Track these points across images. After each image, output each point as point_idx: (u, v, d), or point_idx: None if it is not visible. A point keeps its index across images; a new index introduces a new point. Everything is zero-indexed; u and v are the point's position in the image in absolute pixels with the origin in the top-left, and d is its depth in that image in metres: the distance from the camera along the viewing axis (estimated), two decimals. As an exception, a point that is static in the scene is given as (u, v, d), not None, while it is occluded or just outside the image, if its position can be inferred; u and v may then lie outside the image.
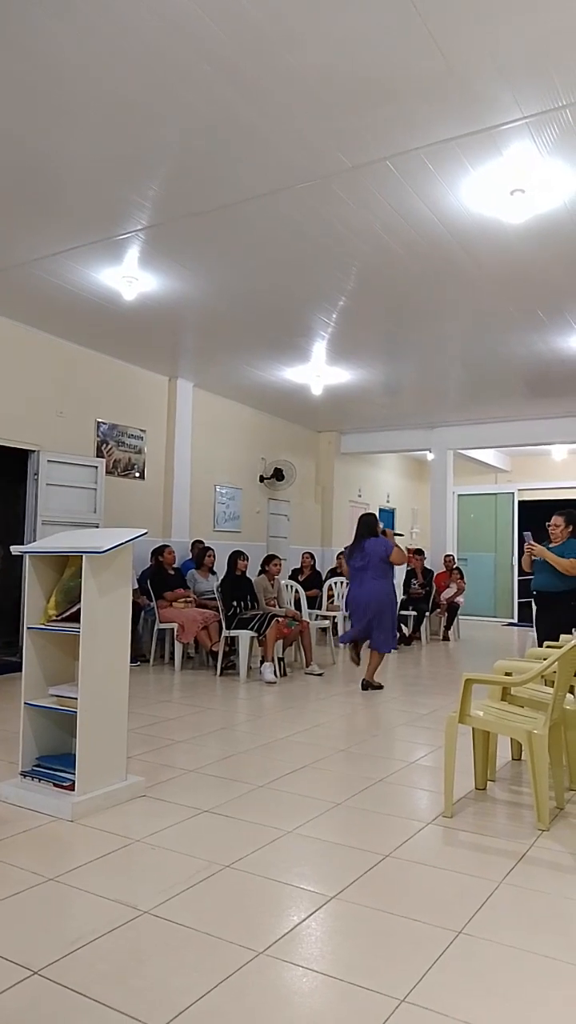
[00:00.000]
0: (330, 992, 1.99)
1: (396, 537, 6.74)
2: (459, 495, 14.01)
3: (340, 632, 9.35)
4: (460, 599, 10.95)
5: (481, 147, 4.11)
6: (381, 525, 6.68)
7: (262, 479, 10.96)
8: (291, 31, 3.25)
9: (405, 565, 9.53)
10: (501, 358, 8.14)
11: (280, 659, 6.91)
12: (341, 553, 8.99)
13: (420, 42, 3.28)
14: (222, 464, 10.23)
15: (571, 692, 3.90)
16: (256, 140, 4.10)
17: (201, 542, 8.87)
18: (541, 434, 11.29)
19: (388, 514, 15.03)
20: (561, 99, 3.68)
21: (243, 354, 8.29)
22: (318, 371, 8.70)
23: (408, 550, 10.36)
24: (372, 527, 6.54)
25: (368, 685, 6.52)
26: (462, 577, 11.13)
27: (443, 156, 4.20)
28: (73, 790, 3.24)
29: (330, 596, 9.88)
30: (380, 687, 6.58)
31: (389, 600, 6.45)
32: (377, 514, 7.09)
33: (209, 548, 8.53)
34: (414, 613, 10.16)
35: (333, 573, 10.35)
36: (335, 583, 9.93)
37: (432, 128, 3.94)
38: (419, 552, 11.00)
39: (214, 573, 8.30)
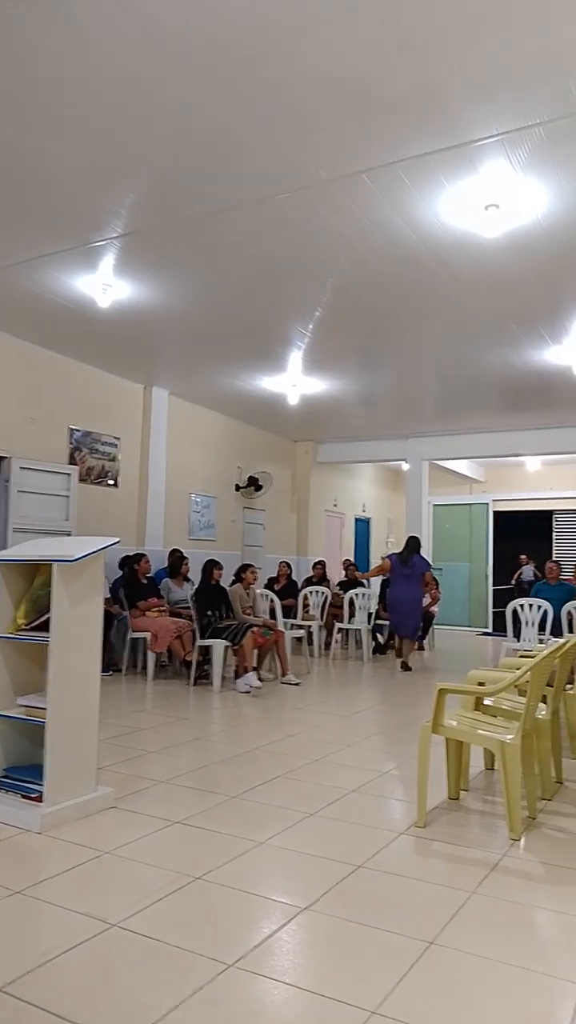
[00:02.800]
0: (301, 1005, 1.98)
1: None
2: (434, 505, 14.10)
3: (316, 641, 9.36)
4: (435, 609, 10.99)
5: (456, 162, 4.16)
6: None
7: (238, 488, 10.95)
8: (272, 44, 3.27)
9: (381, 575, 9.69)
10: (476, 370, 8.22)
11: (255, 668, 6.88)
12: (351, 563, 11.07)
13: (398, 58, 3.32)
14: (197, 472, 10.20)
15: (543, 702, 3.93)
16: (234, 150, 4.11)
17: (178, 551, 8.83)
18: (515, 445, 11.41)
19: (364, 523, 15.09)
20: (535, 117, 3.74)
21: (219, 363, 8.28)
22: (294, 381, 8.72)
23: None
24: (417, 546, 8.89)
25: (406, 666, 8.45)
26: (437, 587, 11.17)
27: (419, 170, 4.25)
28: (41, 801, 3.19)
29: (306, 605, 9.87)
30: (411, 669, 8.44)
31: (419, 601, 8.82)
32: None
33: (185, 556, 8.49)
34: (389, 622, 10.16)
35: (309, 582, 10.35)
36: (311, 592, 9.93)
37: (408, 143, 3.98)
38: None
39: (190, 581, 8.26)
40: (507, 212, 4.64)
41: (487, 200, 4.53)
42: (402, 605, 8.63)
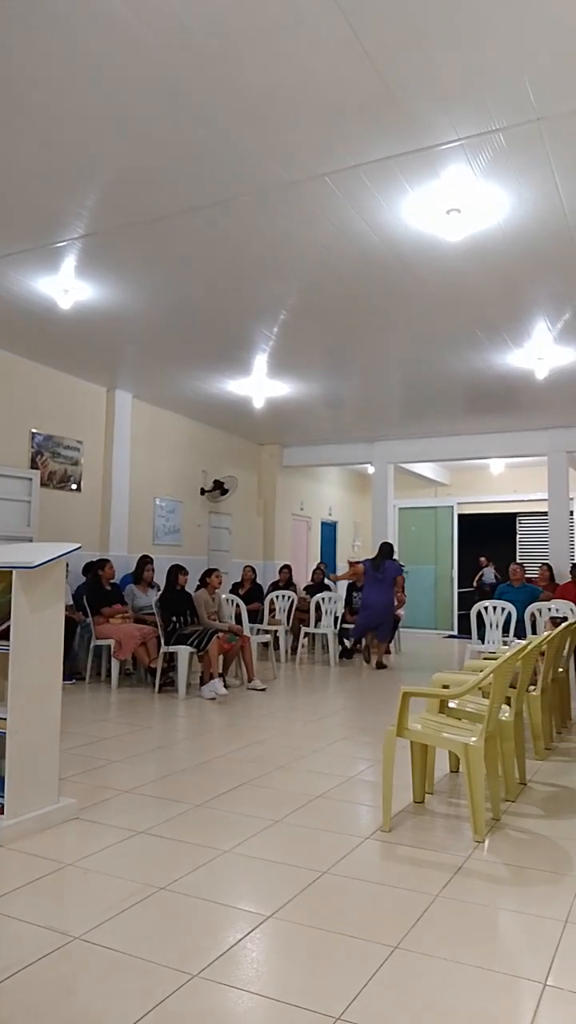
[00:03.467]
0: (265, 1013, 1.95)
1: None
2: (400, 508, 14.18)
3: (283, 646, 9.34)
4: (401, 612, 11.04)
5: (418, 167, 4.18)
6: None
7: (203, 492, 10.89)
8: (231, 47, 3.26)
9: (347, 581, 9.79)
10: (441, 374, 8.29)
11: (221, 674, 6.84)
12: (342, 568, 11.48)
13: (357, 63, 3.33)
14: (162, 476, 10.12)
15: (507, 704, 3.96)
16: (196, 152, 4.09)
17: (147, 557, 8.75)
18: (479, 448, 11.53)
19: (331, 527, 15.12)
20: (494, 123, 3.77)
21: (183, 366, 8.23)
22: (259, 384, 8.70)
23: (349, 563, 10.45)
24: (390, 552, 9.41)
25: (381, 665, 8.91)
26: (403, 590, 11.22)
27: (381, 174, 4.27)
28: (1, 813, 3.12)
29: (272, 610, 9.85)
30: (386, 667, 8.94)
31: (391, 605, 9.20)
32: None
33: (149, 561, 8.41)
34: (354, 625, 10.18)
35: (275, 586, 10.33)
36: (277, 596, 9.91)
37: (370, 146, 3.99)
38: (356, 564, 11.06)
39: (154, 587, 8.19)
40: (469, 217, 4.68)
41: (449, 205, 4.56)
42: (375, 608, 9.04)
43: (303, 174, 4.30)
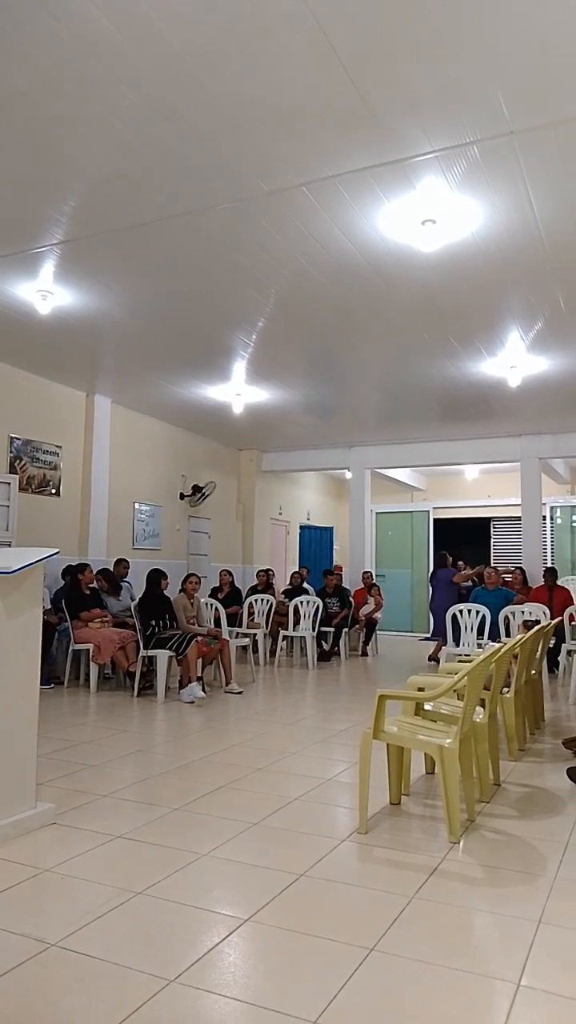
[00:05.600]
0: (241, 1018, 1.98)
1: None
2: (377, 513, 14.27)
3: (261, 649, 9.37)
4: (378, 615, 11.12)
5: (394, 178, 4.25)
6: (450, 559, 10.50)
7: (182, 496, 10.89)
8: (208, 57, 3.29)
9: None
10: (417, 382, 8.38)
11: (199, 678, 6.84)
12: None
13: (334, 74, 3.38)
14: (141, 481, 10.11)
15: (481, 706, 4.02)
16: (174, 161, 4.12)
17: (123, 560, 8.75)
18: (454, 455, 11.66)
19: (318, 531, 15.15)
20: (468, 136, 3.85)
21: (162, 371, 8.24)
22: (238, 390, 8.73)
23: (337, 568, 10.63)
24: (443, 560, 10.46)
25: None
26: (380, 593, 11.31)
27: (357, 185, 4.32)
28: (-21, 821, 3.11)
29: (250, 614, 9.87)
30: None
31: (444, 609, 9.19)
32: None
33: (123, 561, 8.41)
34: (332, 629, 10.25)
35: (254, 590, 10.35)
36: (256, 600, 9.93)
37: (346, 157, 4.05)
38: (329, 572, 11.09)
39: (125, 585, 8.20)
40: (443, 228, 4.75)
41: (424, 216, 4.63)
42: (434, 611, 10.24)
43: (281, 184, 4.34)
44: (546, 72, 3.36)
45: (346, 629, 10.48)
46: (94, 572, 7.91)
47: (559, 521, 14.33)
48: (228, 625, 8.33)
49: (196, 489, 10.99)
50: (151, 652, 6.86)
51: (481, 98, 3.55)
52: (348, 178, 4.26)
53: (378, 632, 11.28)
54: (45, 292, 5.93)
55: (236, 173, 4.23)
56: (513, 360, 7.41)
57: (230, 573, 10.35)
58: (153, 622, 7.05)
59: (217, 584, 10.29)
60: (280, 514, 13.85)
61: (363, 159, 4.07)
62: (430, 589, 10.67)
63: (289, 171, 4.20)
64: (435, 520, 14.98)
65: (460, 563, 11.02)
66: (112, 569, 8.49)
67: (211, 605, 8.48)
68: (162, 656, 6.76)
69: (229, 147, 3.98)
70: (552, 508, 14.06)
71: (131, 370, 8.25)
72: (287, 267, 5.44)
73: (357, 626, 10.91)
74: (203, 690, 6.68)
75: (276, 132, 3.84)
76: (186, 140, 3.92)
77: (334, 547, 16.16)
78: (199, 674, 6.89)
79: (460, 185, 4.31)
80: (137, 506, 9.97)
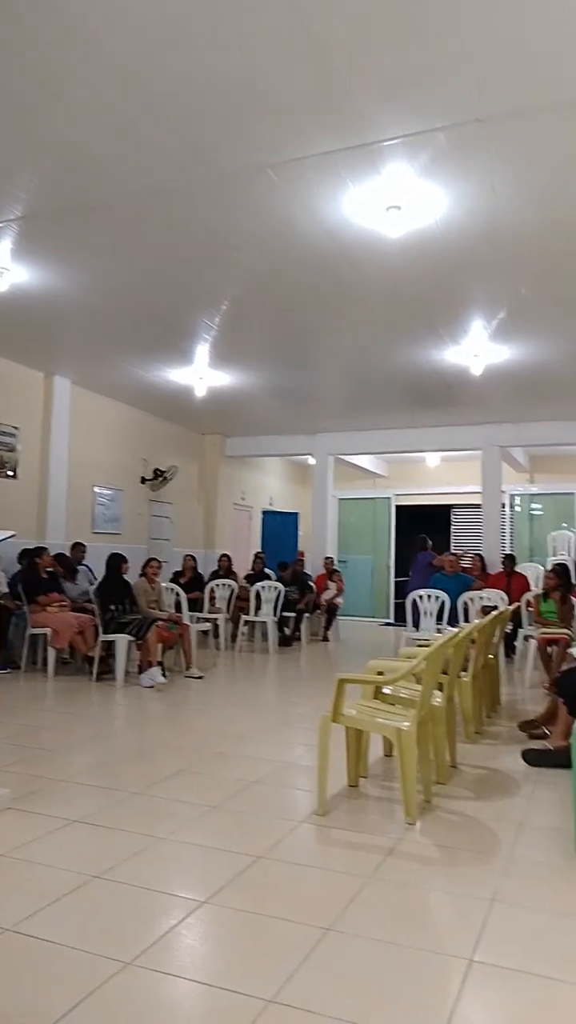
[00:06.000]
0: (198, 999, 1.99)
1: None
2: (340, 499, 14.32)
3: (222, 634, 9.37)
4: (339, 600, 11.19)
5: (360, 162, 4.22)
6: (429, 543, 10.38)
7: (144, 480, 10.78)
8: (177, 32, 3.22)
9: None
10: (381, 368, 8.39)
11: (159, 663, 6.81)
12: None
13: (303, 55, 3.34)
14: (101, 464, 9.97)
15: (439, 689, 4.07)
16: (139, 138, 4.03)
17: (80, 544, 8.64)
18: (417, 442, 11.74)
19: (281, 516, 15.13)
20: (435, 122, 3.84)
21: (123, 353, 8.12)
22: (201, 373, 8.65)
23: (300, 554, 10.62)
24: (423, 544, 10.30)
25: None
26: (341, 579, 11.37)
27: (324, 168, 4.29)
28: None
29: (212, 599, 9.85)
30: None
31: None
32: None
33: (80, 545, 8.32)
34: (293, 615, 10.28)
35: (215, 575, 10.32)
36: (217, 585, 9.91)
37: (313, 140, 4.01)
38: (284, 566, 11.07)
39: (86, 568, 8.13)
40: (408, 214, 4.74)
41: (389, 201, 4.62)
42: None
43: (247, 165, 4.29)
44: (514, 61, 3.36)
45: (307, 614, 10.52)
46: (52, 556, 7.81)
47: (518, 509, 14.56)
48: (189, 610, 8.31)
49: (158, 473, 10.89)
50: (110, 637, 6.81)
51: (450, 84, 3.54)
52: (315, 161, 4.22)
53: (339, 617, 11.35)
54: (2, 268, 5.78)
55: (203, 152, 4.16)
56: (476, 349, 7.46)
57: (194, 558, 10.31)
58: (112, 607, 6.99)
59: (179, 569, 10.24)
60: (243, 499, 13.81)
61: (330, 142, 4.03)
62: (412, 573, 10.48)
63: (256, 152, 4.15)
64: (397, 507, 15.10)
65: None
66: (68, 553, 8.39)
67: (172, 590, 8.44)
68: (121, 641, 6.71)
69: (195, 126, 3.91)
70: (512, 496, 14.27)
71: (92, 351, 8.11)
72: (252, 249, 5.39)
73: (318, 611, 10.97)
74: (163, 675, 6.65)
75: (244, 112, 3.78)
76: (149, 118, 3.84)
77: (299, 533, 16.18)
78: (159, 659, 6.86)
79: (425, 172, 4.30)
80: (97, 490, 9.84)
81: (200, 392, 9.15)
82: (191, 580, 9.89)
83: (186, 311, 6.71)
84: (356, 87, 3.56)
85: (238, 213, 4.85)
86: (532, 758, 4.25)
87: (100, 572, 7.62)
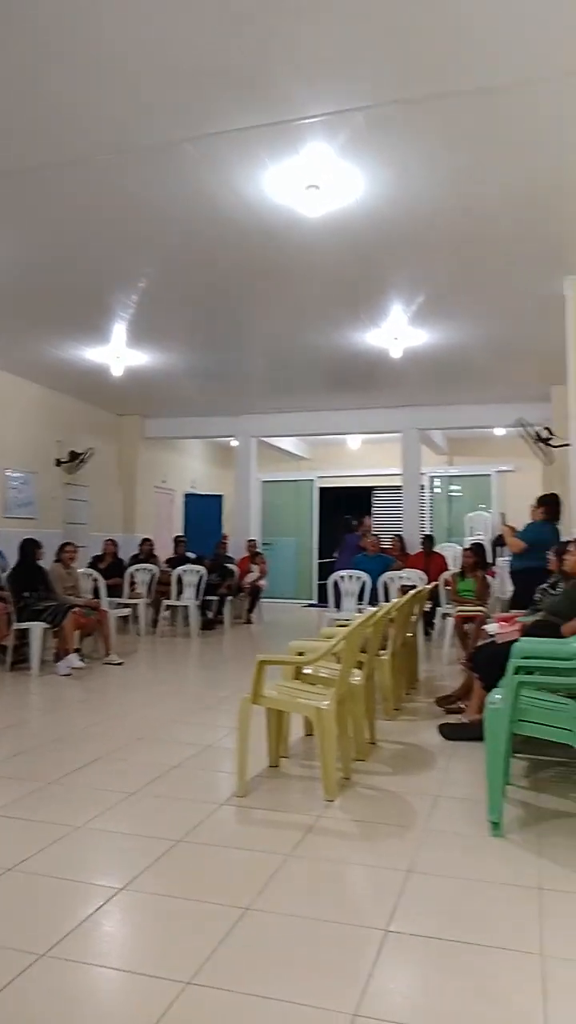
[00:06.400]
0: (114, 986, 1.96)
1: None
2: (263, 482, 14.31)
3: (143, 620, 9.24)
4: (263, 583, 11.21)
5: (279, 140, 4.17)
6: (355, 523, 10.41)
7: (59, 463, 10.48)
8: (93, 2, 3.08)
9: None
10: (303, 350, 8.38)
11: (77, 649, 6.66)
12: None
13: (218, 25, 3.25)
14: (12, 447, 9.60)
15: (359, 668, 4.12)
16: (50, 105, 3.86)
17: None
18: (339, 424, 11.82)
19: (205, 499, 15.00)
20: (354, 102, 3.82)
21: (35, 330, 7.82)
22: (118, 352, 8.44)
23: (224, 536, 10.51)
24: (349, 525, 10.46)
25: None
26: (264, 561, 11.39)
27: (243, 145, 4.21)
28: None
29: (132, 583, 9.69)
30: None
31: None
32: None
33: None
34: (216, 598, 10.24)
35: (136, 560, 10.16)
36: (138, 570, 9.76)
37: (230, 115, 3.93)
38: (200, 560, 10.95)
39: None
40: (328, 194, 4.71)
41: (309, 180, 4.58)
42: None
43: (163, 137, 4.17)
44: (432, 43, 3.36)
45: (230, 598, 10.49)
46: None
47: (437, 491, 14.91)
48: (109, 596, 8.15)
49: (74, 455, 10.60)
50: (24, 624, 6.61)
51: (369, 64, 3.52)
52: (233, 137, 4.14)
53: (263, 600, 11.37)
54: None
55: (116, 122, 4.02)
56: (396, 332, 7.54)
57: (115, 543, 10.11)
58: (27, 593, 6.79)
59: (99, 553, 10.03)
60: (164, 482, 13.62)
61: (247, 117, 3.96)
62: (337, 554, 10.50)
63: (172, 124, 4.04)
64: (320, 489, 15.20)
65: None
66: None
67: (90, 575, 8.26)
68: (36, 628, 6.53)
69: (110, 95, 3.77)
70: (431, 478, 14.59)
71: (0, 328, 7.79)
72: (170, 226, 5.27)
73: (242, 594, 10.96)
74: (81, 661, 6.51)
75: (161, 82, 3.67)
76: (64, 83, 3.66)
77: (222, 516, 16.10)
78: (77, 646, 6.71)
79: (344, 152, 4.28)
80: (8, 473, 9.50)
81: (117, 372, 8.92)
82: (111, 565, 9.70)
83: (101, 287, 6.52)
84: (273, 63, 3.50)
85: (155, 187, 4.72)
86: (448, 732, 4.37)
87: (13, 558, 7.37)
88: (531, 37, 3.32)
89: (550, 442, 8.93)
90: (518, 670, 3.01)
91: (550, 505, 6.57)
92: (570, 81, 3.60)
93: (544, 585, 5.16)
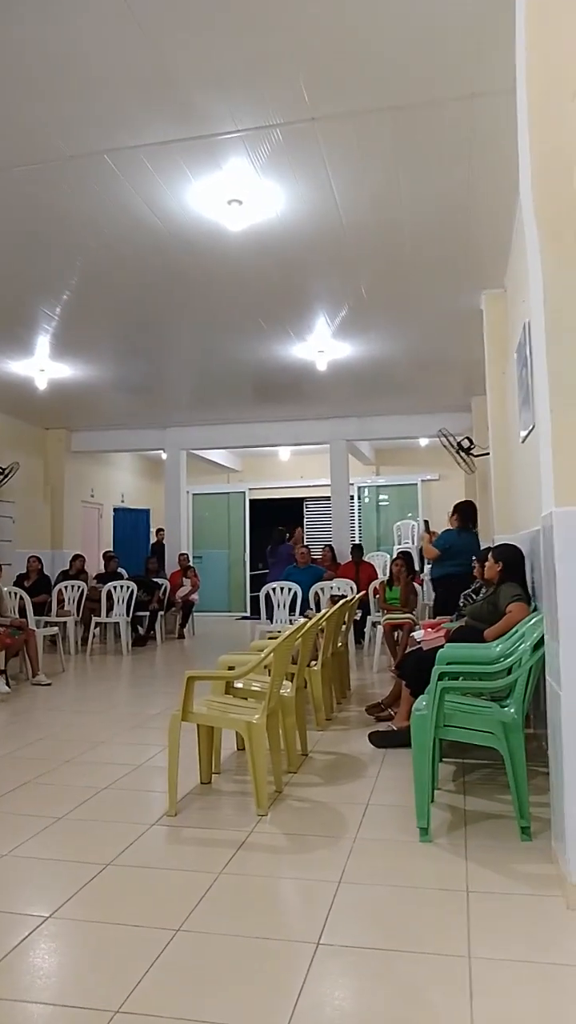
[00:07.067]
0: (40, 1022, 1.90)
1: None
2: (193, 494, 14.23)
3: (72, 638, 9.03)
4: (194, 597, 11.12)
5: (199, 155, 4.19)
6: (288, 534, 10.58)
7: (-19, 479, 10.17)
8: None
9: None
10: (229, 363, 8.39)
11: (2, 671, 6.46)
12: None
13: (132, 37, 3.25)
14: None
15: (290, 680, 4.13)
16: (-41, 111, 3.78)
17: None
18: (268, 436, 11.87)
19: (134, 513, 14.79)
20: (272, 119, 3.87)
21: (-44, 343, 7.61)
22: (42, 365, 8.27)
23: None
24: (281, 536, 10.51)
25: None
26: (196, 575, 11.30)
27: (163, 158, 4.22)
28: None
29: (60, 601, 9.47)
30: None
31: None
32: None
33: None
34: (147, 613, 10.10)
35: (65, 576, 9.93)
36: (66, 587, 9.54)
37: (148, 128, 3.93)
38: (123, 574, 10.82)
39: None
40: (249, 208, 4.76)
41: (231, 195, 4.61)
42: None
43: (82, 149, 4.13)
44: (345, 61, 3.45)
45: (161, 612, 10.36)
46: None
47: (366, 500, 15.12)
48: (36, 614, 7.94)
49: (-4, 471, 10.31)
50: (-52, 646, 6.37)
51: (283, 81, 3.58)
52: (152, 150, 4.14)
53: (195, 613, 11.28)
54: None
55: (35, 132, 3.96)
56: (320, 345, 7.63)
57: (39, 560, 9.86)
58: (-51, 614, 6.55)
59: (24, 571, 9.76)
60: (92, 496, 13.39)
61: (166, 131, 3.97)
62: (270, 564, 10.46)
63: (90, 136, 4.01)
64: (251, 501, 15.22)
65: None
66: None
67: (15, 594, 8.03)
68: (-40, 650, 6.30)
69: (24, 102, 3.71)
70: (360, 488, 14.79)
71: None
72: (92, 238, 5.21)
73: (173, 609, 10.84)
74: (6, 684, 6.32)
75: (75, 93, 3.64)
76: (-25, 90, 3.61)
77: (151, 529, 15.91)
78: (2, 667, 6.51)
79: (265, 168, 4.33)
80: None
81: (41, 385, 8.75)
82: (36, 582, 9.46)
83: (23, 298, 6.39)
84: (190, 75, 3.52)
85: (76, 199, 4.67)
86: (377, 740, 4.42)
87: None
88: (439, 57, 3.43)
89: (471, 451, 9.18)
90: (442, 676, 3.07)
91: (462, 513, 6.68)
92: (478, 101, 3.73)
93: (468, 591, 5.30)
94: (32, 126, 3.91)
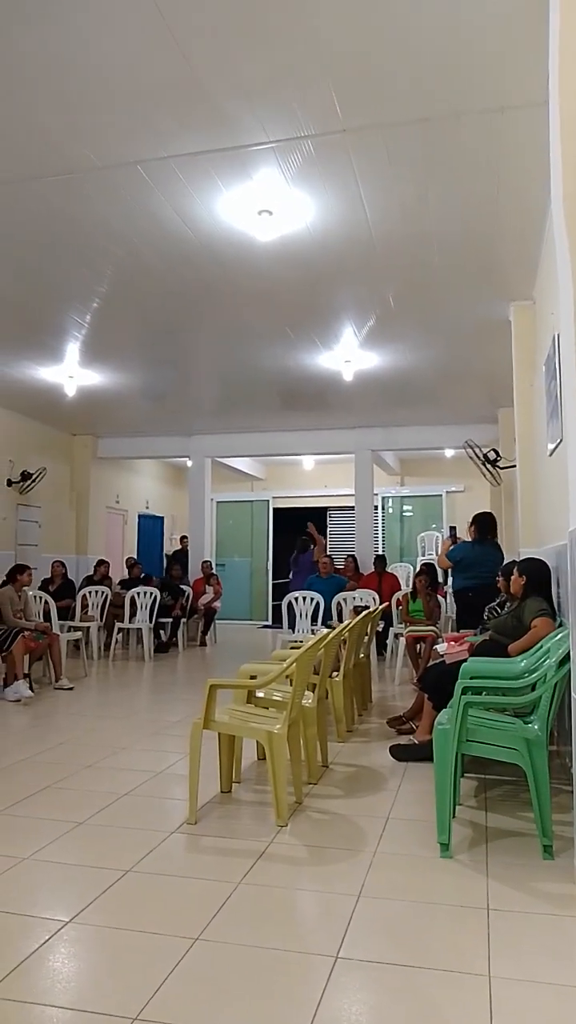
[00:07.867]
0: (58, 1025, 1.90)
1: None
2: (217, 502, 14.28)
3: (95, 643, 9.09)
4: (217, 604, 11.14)
5: (230, 165, 4.22)
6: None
7: (9, 483, 10.30)
8: (25, 13, 3.09)
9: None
10: (255, 371, 8.43)
11: (26, 675, 6.52)
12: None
13: (166, 49, 3.29)
14: (-37, 466, 9.44)
15: (312, 690, 4.13)
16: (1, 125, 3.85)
17: None
18: (292, 445, 11.89)
19: (153, 520, 14.89)
20: (303, 130, 3.90)
21: (-13, 349, 7.73)
22: (71, 372, 8.37)
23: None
24: (305, 545, 10.17)
25: None
26: (218, 582, 11.33)
27: (194, 169, 4.26)
28: None
29: (84, 606, 9.54)
30: None
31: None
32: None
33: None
34: (170, 620, 10.14)
35: (89, 581, 10.01)
36: (90, 592, 9.61)
37: (181, 139, 3.97)
38: (148, 580, 10.86)
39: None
40: (279, 219, 4.79)
41: (261, 206, 4.65)
42: None
43: (113, 159, 4.19)
44: (376, 74, 3.47)
45: (184, 619, 10.40)
46: None
47: (390, 511, 15.06)
48: (60, 619, 8.01)
49: (26, 475, 10.44)
50: (-27, 648, 6.45)
51: (315, 92, 3.60)
52: (184, 161, 4.18)
53: (217, 621, 11.30)
54: None
55: (60, 143, 4.02)
56: (347, 355, 7.64)
57: (63, 564, 9.95)
58: (-25, 617, 6.63)
59: (48, 576, 9.85)
60: (117, 502, 13.49)
61: (198, 143, 4.01)
62: (291, 573, 10.42)
63: (122, 147, 4.06)
64: (274, 509, 15.23)
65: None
66: None
67: (40, 598, 8.10)
68: (-15, 652, 6.38)
69: (52, 114, 3.77)
70: (384, 498, 14.74)
71: (-49, 346, 7.66)
72: (122, 247, 5.27)
73: (195, 616, 10.88)
74: (30, 688, 6.38)
75: (107, 104, 3.69)
76: (9, 103, 3.67)
77: (172, 536, 15.98)
78: (26, 671, 6.57)
79: (295, 178, 4.36)
80: (-41, 493, 9.31)
81: (70, 391, 8.85)
82: (61, 587, 9.54)
83: (53, 307, 6.48)
84: (222, 87, 3.56)
85: (106, 209, 4.73)
86: (398, 753, 4.39)
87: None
88: (468, 70, 3.44)
89: (498, 463, 9.12)
90: (465, 690, 3.05)
91: (480, 524, 6.46)
92: (507, 114, 3.73)
93: (493, 604, 5.25)
94: (63, 137, 3.98)
